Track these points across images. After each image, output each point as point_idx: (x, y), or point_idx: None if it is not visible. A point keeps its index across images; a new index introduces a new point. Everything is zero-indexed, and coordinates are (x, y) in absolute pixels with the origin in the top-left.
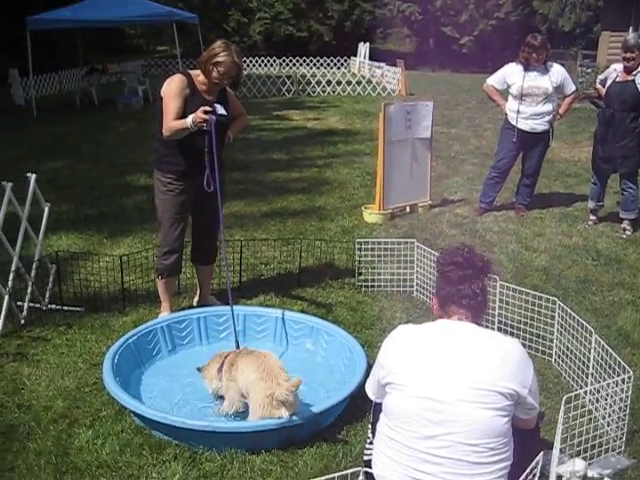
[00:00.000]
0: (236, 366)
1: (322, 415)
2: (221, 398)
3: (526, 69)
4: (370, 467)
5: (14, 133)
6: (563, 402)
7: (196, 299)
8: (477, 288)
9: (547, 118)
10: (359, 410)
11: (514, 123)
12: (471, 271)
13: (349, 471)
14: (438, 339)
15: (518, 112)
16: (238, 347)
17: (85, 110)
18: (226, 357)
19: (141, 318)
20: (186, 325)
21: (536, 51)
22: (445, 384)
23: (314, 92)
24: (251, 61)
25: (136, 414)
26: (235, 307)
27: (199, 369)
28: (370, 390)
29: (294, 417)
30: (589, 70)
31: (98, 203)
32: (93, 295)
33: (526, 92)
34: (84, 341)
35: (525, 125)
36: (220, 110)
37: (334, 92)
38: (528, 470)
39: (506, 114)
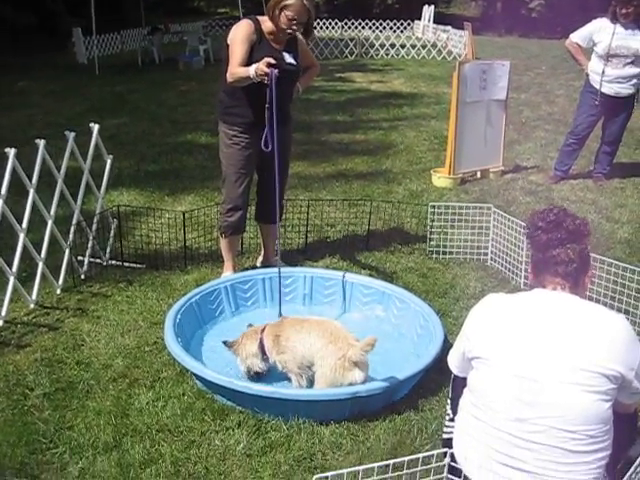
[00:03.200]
0: (286, 336)
1: (396, 386)
2: (257, 375)
3: (616, 26)
4: (449, 446)
5: (76, 91)
6: None
7: (260, 259)
8: (573, 253)
9: (634, 81)
10: (435, 383)
11: (597, 86)
12: (561, 235)
13: (433, 452)
14: (534, 311)
15: (602, 74)
16: (280, 315)
17: (146, 69)
18: (262, 331)
19: (203, 277)
20: (250, 286)
21: (623, 4)
22: (542, 362)
23: (377, 55)
24: None
25: (198, 377)
26: (302, 269)
27: (227, 343)
28: (453, 363)
29: (366, 386)
30: None
31: (159, 160)
32: (154, 252)
33: (613, 52)
34: (144, 299)
35: (609, 89)
36: (289, 59)
37: (398, 55)
38: (633, 468)
39: (588, 75)
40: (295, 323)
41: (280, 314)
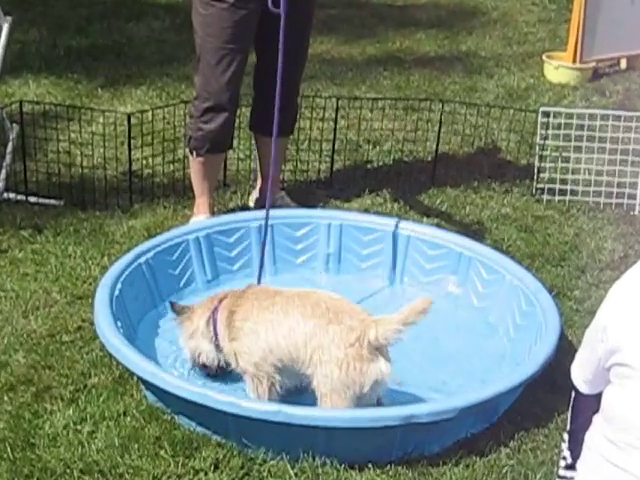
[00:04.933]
0: (243, 315)
1: (476, 410)
2: (205, 368)
3: None
4: None
5: None
6: None
7: (255, 195)
8: None
9: None
10: (541, 406)
11: None
12: None
13: None
14: None
15: None
16: (259, 283)
17: None
18: (221, 301)
19: (160, 223)
20: (239, 239)
21: None
22: None
23: None
24: None
25: (151, 386)
26: (325, 213)
27: (175, 308)
28: (580, 374)
29: (427, 406)
30: None
31: (88, 30)
32: (79, 180)
33: None
34: (63, 257)
35: None
36: None
37: None
38: None
39: None
40: (263, 295)
41: (259, 281)
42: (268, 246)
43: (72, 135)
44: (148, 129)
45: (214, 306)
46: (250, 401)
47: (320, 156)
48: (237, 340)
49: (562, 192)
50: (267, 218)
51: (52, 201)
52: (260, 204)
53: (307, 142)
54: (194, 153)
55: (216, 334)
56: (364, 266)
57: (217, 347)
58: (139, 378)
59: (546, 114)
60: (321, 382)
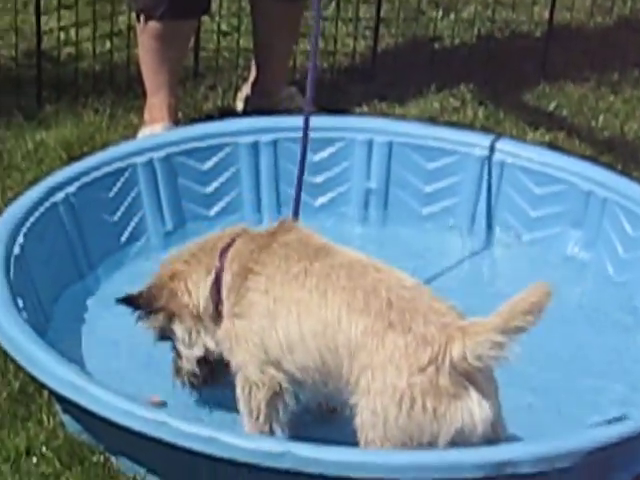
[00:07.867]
0: (261, 282)
1: (611, 456)
2: (194, 376)
3: None
4: None
5: None
6: None
7: (245, 92)
8: None
9: None
10: None
11: None
12: None
13: None
14: None
15: None
16: (296, 215)
17: None
18: (225, 251)
19: (87, 138)
20: (219, 164)
21: None
22: None
23: None
24: None
25: (74, 407)
26: (364, 122)
27: (132, 300)
28: None
29: (524, 446)
30: None
31: None
32: None
33: None
34: None
35: None
36: None
37: None
38: None
39: None
40: (297, 250)
41: (296, 214)
42: (273, 174)
43: None
44: None
45: (217, 263)
46: (236, 436)
47: (356, 28)
48: (242, 317)
49: None
50: (306, 127)
51: None
52: (255, 105)
53: (334, 4)
54: (144, 18)
55: (218, 301)
56: (426, 212)
57: (216, 323)
58: (53, 393)
59: None
60: (367, 422)
